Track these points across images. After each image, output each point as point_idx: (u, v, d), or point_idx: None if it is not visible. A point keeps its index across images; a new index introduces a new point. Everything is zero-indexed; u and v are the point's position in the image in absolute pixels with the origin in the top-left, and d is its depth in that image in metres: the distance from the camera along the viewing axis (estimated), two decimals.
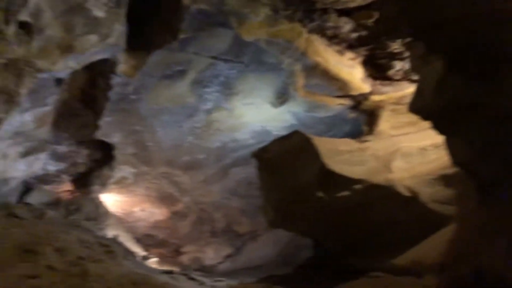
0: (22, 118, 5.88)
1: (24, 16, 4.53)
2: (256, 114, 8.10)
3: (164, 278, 6.08)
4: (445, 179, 5.78)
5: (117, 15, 5.67)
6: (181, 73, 7.45)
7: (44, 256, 4.72)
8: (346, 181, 6.13)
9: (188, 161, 9.02)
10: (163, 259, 10.12)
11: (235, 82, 7.68)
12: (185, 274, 7.15)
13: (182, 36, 6.55)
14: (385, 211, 6.11)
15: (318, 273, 7.12)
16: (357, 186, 6.17)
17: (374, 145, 6.54)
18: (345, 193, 6.19)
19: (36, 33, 4.80)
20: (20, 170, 6.82)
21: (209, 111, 8.13)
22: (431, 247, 5.83)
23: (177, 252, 10.92)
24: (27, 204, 7.63)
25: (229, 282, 7.20)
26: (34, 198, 8.35)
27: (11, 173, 6.57)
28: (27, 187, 8.35)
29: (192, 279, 6.92)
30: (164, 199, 10.19)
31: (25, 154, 6.60)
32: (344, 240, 6.56)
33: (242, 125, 8.43)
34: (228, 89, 7.75)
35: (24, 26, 4.64)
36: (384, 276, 6.07)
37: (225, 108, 8.11)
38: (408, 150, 6.38)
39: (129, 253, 7.50)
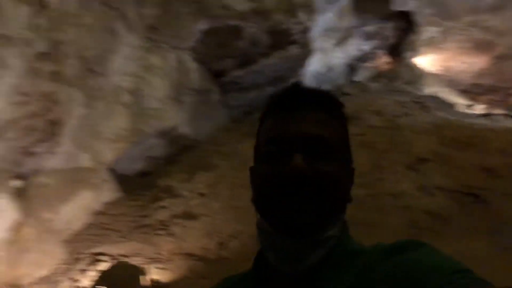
0: (326, 17, 7.32)
1: None
2: None
3: (478, 120, 6.55)
4: None
5: None
6: None
7: (365, 120, 6.21)
8: None
9: (492, 2, 8.41)
10: (492, 104, 10.13)
11: None
12: (506, 115, 7.29)
13: None
14: None
15: None
16: None
17: None
18: None
19: None
20: (339, 57, 8.47)
21: None
22: None
23: (508, 95, 10.53)
24: (354, 82, 9.38)
25: None
26: (359, 76, 10.10)
27: (332, 61, 8.30)
28: (352, 68, 10.20)
29: None
30: (479, 46, 9.91)
31: (338, 43, 8.15)
32: None
33: None
34: None
35: None
36: None
37: None
38: None
39: (446, 105, 8.15)
